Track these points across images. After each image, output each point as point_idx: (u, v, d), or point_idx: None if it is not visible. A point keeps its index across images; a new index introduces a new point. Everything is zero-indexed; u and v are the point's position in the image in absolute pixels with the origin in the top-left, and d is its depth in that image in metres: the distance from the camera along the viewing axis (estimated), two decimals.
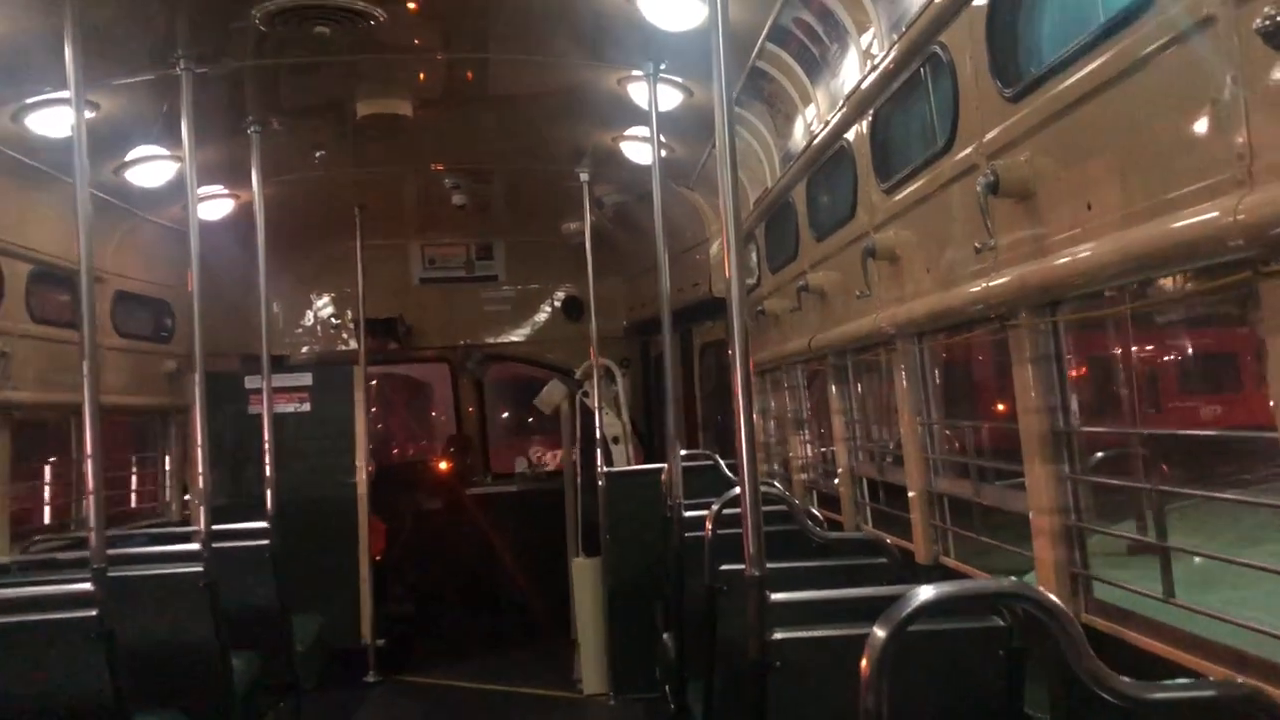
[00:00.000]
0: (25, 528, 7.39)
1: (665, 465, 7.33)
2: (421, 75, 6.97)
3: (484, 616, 12.11)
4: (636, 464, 10.16)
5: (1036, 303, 3.52)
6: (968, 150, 3.83)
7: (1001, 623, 3.43)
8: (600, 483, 8.86)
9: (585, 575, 9.10)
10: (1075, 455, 3.62)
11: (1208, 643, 2.90)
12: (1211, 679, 2.66)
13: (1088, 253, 3.02)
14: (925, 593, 2.31)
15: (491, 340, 12.58)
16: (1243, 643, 2.72)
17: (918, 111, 4.47)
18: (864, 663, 2.21)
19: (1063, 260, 3.17)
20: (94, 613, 4.50)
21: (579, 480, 9.95)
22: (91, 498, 4.70)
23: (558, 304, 12.46)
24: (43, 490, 8.08)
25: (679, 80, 6.61)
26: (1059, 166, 3.25)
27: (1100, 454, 3.79)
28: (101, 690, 4.51)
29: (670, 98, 6.76)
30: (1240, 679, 2.33)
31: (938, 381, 5.19)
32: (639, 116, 7.11)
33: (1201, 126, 2.57)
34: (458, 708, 9.36)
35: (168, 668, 5.51)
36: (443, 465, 12.73)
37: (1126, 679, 2.20)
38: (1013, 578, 3.01)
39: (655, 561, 7.70)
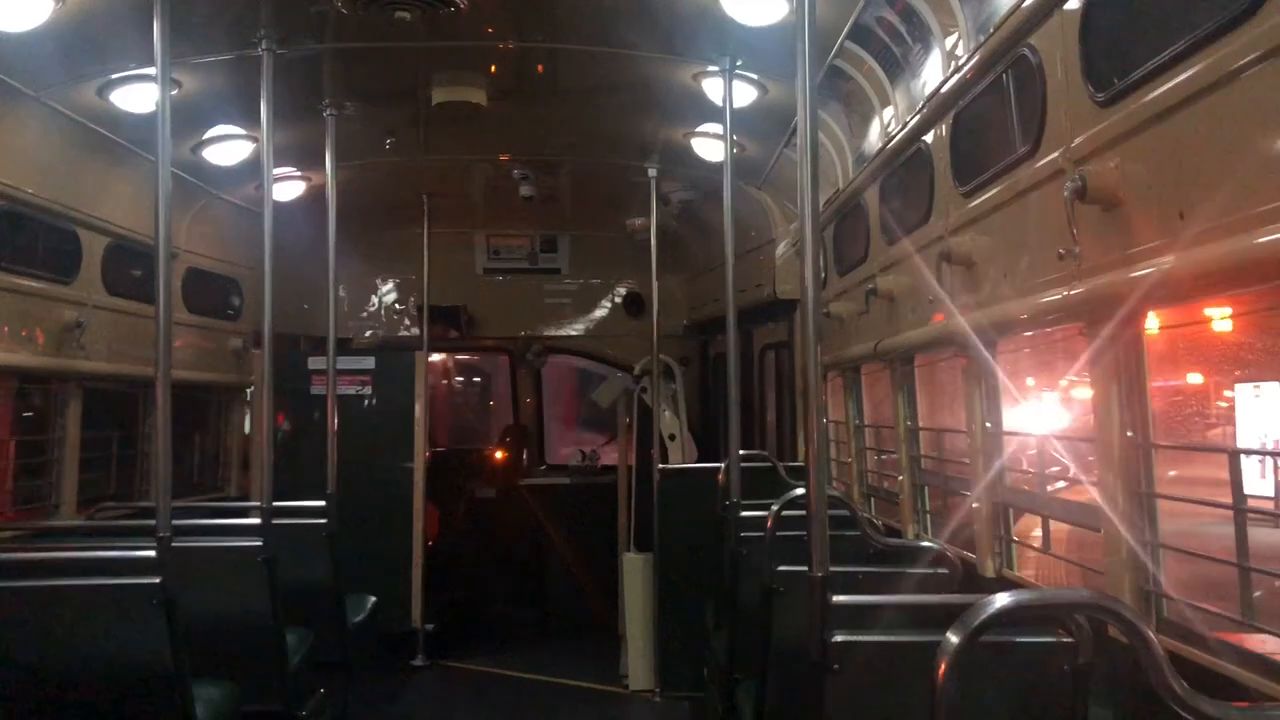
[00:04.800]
0: (92, 494, 7.53)
1: (722, 465, 7.31)
2: (496, 64, 6.99)
3: (533, 606, 12.15)
4: (691, 462, 10.14)
5: (1120, 312, 3.43)
6: (1054, 155, 3.75)
7: (1069, 638, 3.36)
8: (656, 479, 8.84)
9: (635, 570, 9.09)
10: (1152, 469, 3.53)
11: None
12: None
13: (1178, 263, 2.94)
14: (1001, 600, 2.26)
15: (551, 333, 12.62)
16: None
17: (1001, 115, 4.38)
18: (939, 668, 2.17)
19: (1150, 270, 3.10)
20: (157, 580, 4.57)
21: (633, 476, 9.95)
22: (159, 468, 4.77)
23: (619, 299, 12.46)
24: (110, 458, 8.22)
25: (754, 77, 6.56)
26: (1150, 174, 3.17)
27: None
28: (161, 656, 4.58)
29: (744, 94, 6.72)
30: None
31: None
32: (711, 113, 7.07)
33: None
34: (502, 696, 9.40)
35: (222, 639, 5.59)
36: (498, 454, 12.79)
37: (1208, 699, 2.14)
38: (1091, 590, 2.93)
39: (706, 560, 7.68)
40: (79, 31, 5.55)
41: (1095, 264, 3.47)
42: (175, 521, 4.76)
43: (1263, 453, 3.15)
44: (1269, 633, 2.97)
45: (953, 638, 2.21)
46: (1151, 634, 2.17)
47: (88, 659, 4.61)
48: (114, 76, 6.22)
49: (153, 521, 4.68)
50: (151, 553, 4.61)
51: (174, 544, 4.68)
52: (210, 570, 5.74)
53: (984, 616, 2.21)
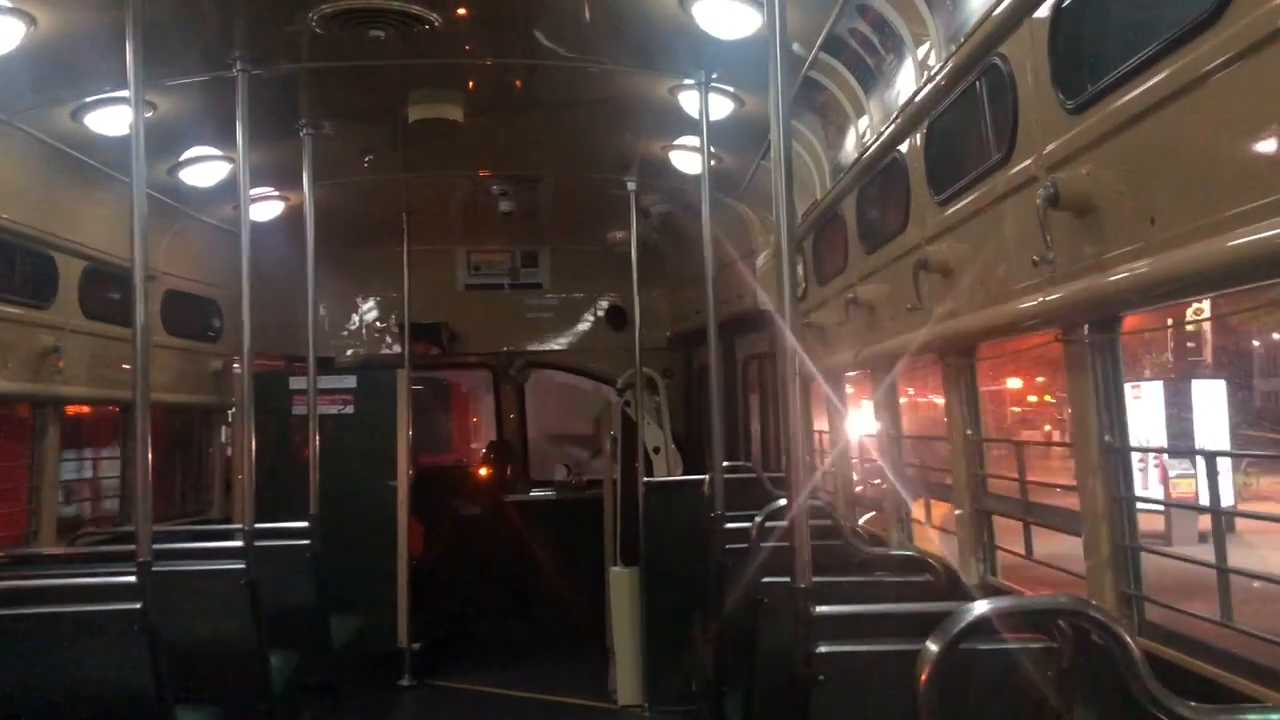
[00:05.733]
0: (72, 520, 7.48)
1: (706, 477, 7.30)
2: (472, 81, 7.01)
3: (520, 623, 12.10)
4: (676, 475, 10.13)
5: (1095, 317, 3.45)
6: (1026, 163, 3.77)
7: (1051, 644, 3.36)
8: (641, 493, 8.83)
9: (622, 585, 9.06)
10: (1131, 473, 3.55)
11: (1267, 669, 2.83)
12: (1275, 705, 2.59)
13: (1150, 268, 2.96)
14: (981, 607, 2.26)
15: (534, 348, 12.60)
16: None
17: (974, 124, 4.41)
18: (920, 677, 2.17)
19: (1123, 275, 3.12)
20: (138, 606, 4.53)
21: (618, 489, 9.93)
22: (139, 492, 4.74)
23: (601, 313, 12.45)
24: (90, 484, 8.17)
25: (730, 90, 6.59)
26: (1121, 180, 3.20)
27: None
28: (143, 682, 4.54)
29: (721, 107, 6.74)
30: None
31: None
32: (688, 126, 7.10)
33: (1270, 141, 2.52)
34: (491, 714, 9.34)
35: (207, 663, 5.55)
36: (482, 471, 12.75)
37: (1187, 702, 2.14)
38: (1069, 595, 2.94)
39: (693, 573, 7.66)
40: (52, 56, 5.53)
41: (1069, 270, 3.49)
42: (156, 546, 4.73)
43: (1244, 454, 3.16)
44: (1247, 633, 2.98)
45: (932, 646, 2.22)
46: (1128, 637, 2.18)
47: (69, 687, 4.57)
48: (88, 100, 6.21)
49: (133, 547, 4.64)
50: (132, 578, 4.58)
51: (155, 568, 4.65)
52: (193, 594, 5.70)
53: (963, 624, 2.21)
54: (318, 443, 7.88)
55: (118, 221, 7.22)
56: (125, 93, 4.86)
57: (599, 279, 12.21)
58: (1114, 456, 3.59)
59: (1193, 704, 2.13)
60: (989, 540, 5.01)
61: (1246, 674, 2.88)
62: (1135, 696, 2.15)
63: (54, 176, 6.83)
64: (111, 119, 6.37)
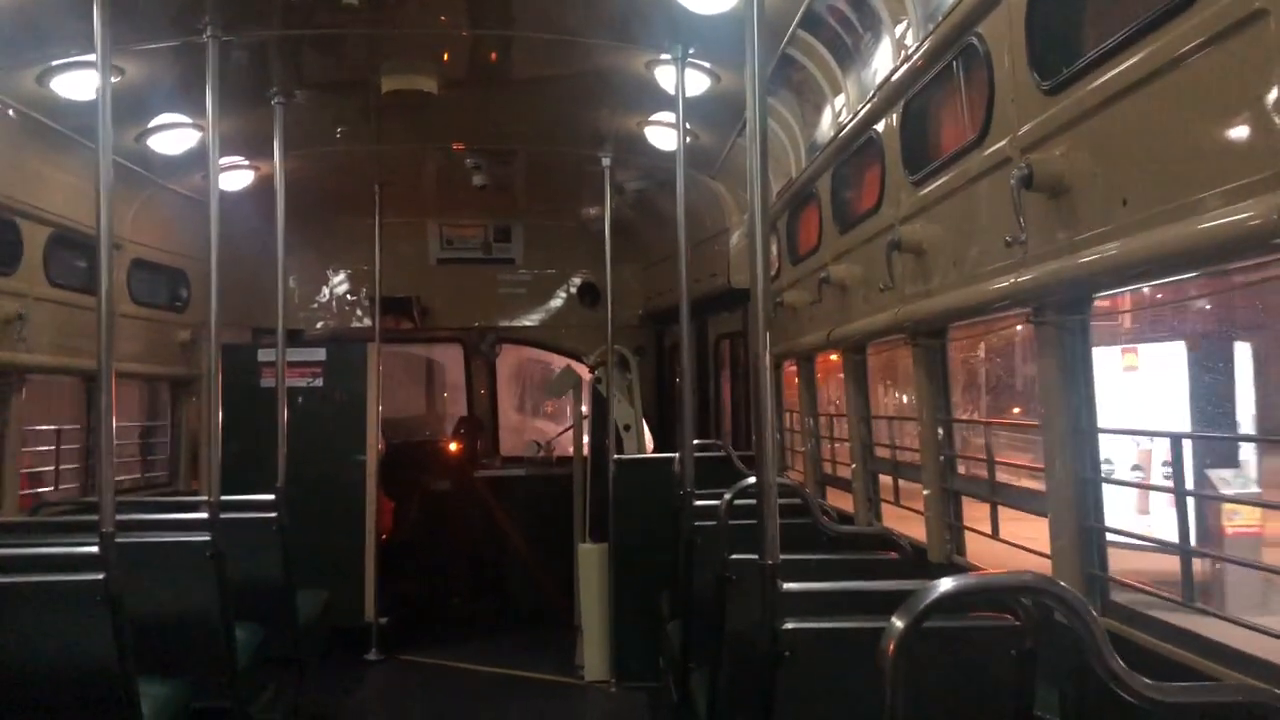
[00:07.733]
0: (35, 491, 7.39)
1: (676, 454, 7.31)
2: (447, 52, 6.92)
3: (488, 599, 12.10)
4: (647, 452, 10.14)
5: (1066, 298, 3.46)
6: (1001, 143, 3.77)
7: (1014, 622, 3.39)
8: (611, 470, 8.83)
9: (591, 561, 9.08)
10: (1098, 455, 3.57)
11: (1227, 648, 2.86)
12: (1232, 683, 2.62)
13: (1122, 249, 2.97)
14: (945, 584, 2.27)
15: (506, 323, 12.56)
16: (1265, 650, 2.69)
17: (950, 103, 4.42)
18: (886, 653, 2.17)
19: (1095, 256, 3.13)
20: (100, 576, 4.49)
21: (588, 466, 9.93)
22: (103, 462, 4.69)
23: (574, 290, 12.41)
24: (54, 454, 8.08)
25: (707, 65, 6.55)
26: (1095, 161, 3.20)
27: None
28: (106, 654, 4.50)
29: (697, 83, 6.70)
30: (1261, 685, 2.28)
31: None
32: (664, 101, 7.05)
33: (1243, 123, 2.52)
34: (458, 688, 9.35)
35: (170, 635, 5.51)
36: (452, 446, 12.72)
37: (1146, 679, 2.16)
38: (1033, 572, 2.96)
39: (662, 550, 7.67)
40: (16, 17, 5.42)
41: (1042, 251, 3.50)
42: (121, 517, 4.67)
43: (1209, 436, 3.19)
44: (1209, 614, 3.01)
45: (898, 622, 2.22)
46: (1092, 614, 2.19)
47: (30, 658, 4.52)
48: (54, 63, 6.08)
49: (96, 517, 4.59)
50: (95, 549, 4.53)
51: (119, 540, 4.59)
52: (157, 566, 5.64)
53: (928, 601, 2.22)
54: (286, 415, 7.82)
55: (84, 188, 7.10)
56: (92, 56, 4.76)
57: (572, 255, 12.16)
58: (1081, 438, 3.61)
59: (1150, 681, 2.15)
60: (956, 520, 5.04)
61: (1204, 653, 2.91)
62: (1096, 673, 2.16)
63: (18, 141, 6.71)
64: (78, 83, 6.25)
